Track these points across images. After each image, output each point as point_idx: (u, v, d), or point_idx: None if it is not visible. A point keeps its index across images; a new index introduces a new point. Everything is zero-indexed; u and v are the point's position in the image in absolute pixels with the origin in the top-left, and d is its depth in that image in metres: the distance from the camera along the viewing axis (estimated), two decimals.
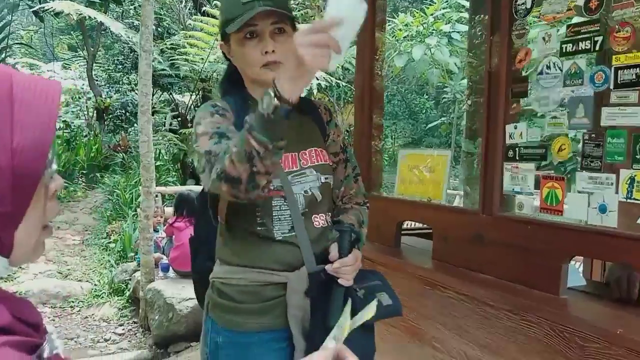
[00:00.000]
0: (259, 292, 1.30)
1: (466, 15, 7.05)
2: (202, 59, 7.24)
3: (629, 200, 1.38)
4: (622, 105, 1.39)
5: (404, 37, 7.25)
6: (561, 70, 1.55)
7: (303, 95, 1.21)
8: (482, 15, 2.89)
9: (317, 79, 7.79)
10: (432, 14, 6.97)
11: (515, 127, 1.70)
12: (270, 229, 1.31)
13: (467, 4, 6.86)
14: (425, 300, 2.05)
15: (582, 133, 1.50)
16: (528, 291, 1.63)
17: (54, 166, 0.59)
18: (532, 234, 1.63)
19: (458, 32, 6.92)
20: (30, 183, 0.54)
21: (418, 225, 2.65)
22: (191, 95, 8.06)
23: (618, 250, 1.41)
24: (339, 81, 8.53)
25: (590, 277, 2.17)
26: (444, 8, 7.22)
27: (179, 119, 8.30)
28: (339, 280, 1.26)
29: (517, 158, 1.70)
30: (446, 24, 7.00)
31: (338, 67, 9.61)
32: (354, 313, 1.29)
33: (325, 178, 1.39)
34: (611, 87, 1.42)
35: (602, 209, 1.44)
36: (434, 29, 6.95)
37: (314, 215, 1.38)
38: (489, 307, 1.75)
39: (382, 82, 2.50)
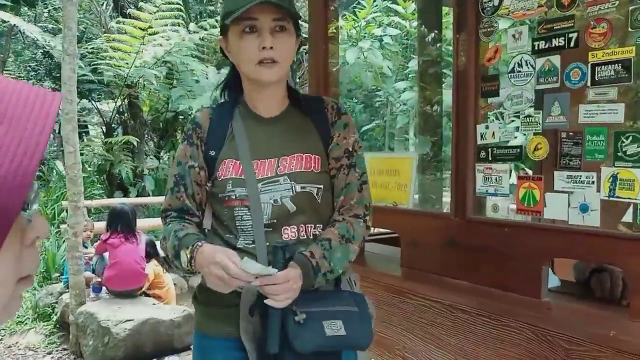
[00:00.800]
0: (223, 298, 1.23)
1: (397, 19, 7.16)
2: (128, 63, 6.86)
3: (611, 199, 1.36)
4: (601, 102, 1.37)
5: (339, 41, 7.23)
6: (534, 68, 1.52)
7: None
8: (431, 14, 2.87)
9: None
10: (364, 18, 7.00)
11: (487, 127, 1.66)
12: (236, 238, 1.29)
13: (399, 8, 6.97)
14: (394, 309, 1.97)
15: (559, 132, 1.47)
16: (506, 295, 1.59)
17: (35, 206, 0.44)
18: (509, 237, 1.58)
19: (390, 35, 6.99)
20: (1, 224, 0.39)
21: (379, 230, 2.58)
22: (115, 101, 7.62)
23: (602, 249, 1.38)
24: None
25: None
26: (374, 12, 7.28)
27: (104, 127, 7.83)
28: (265, 301, 1.16)
29: (490, 159, 1.65)
30: (378, 27, 7.06)
31: None
32: (284, 339, 1.19)
33: (303, 187, 1.28)
34: (589, 84, 1.40)
35: (583, 208, 1.41)
36: (366, 33, 6.99)
37: (284, 227, 1.28)
38: (464, 314, 1.69)
39: (338, 88, 2.41)
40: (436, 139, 2.76)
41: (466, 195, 1.71)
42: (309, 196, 1.28)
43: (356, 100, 15.48)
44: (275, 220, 1.27)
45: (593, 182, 1.39)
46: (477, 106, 1.69)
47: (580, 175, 1.41)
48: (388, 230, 2.61)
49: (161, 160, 8.62)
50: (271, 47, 1.22)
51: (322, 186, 1.30)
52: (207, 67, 8.51)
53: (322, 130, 1.34)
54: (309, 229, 1.29)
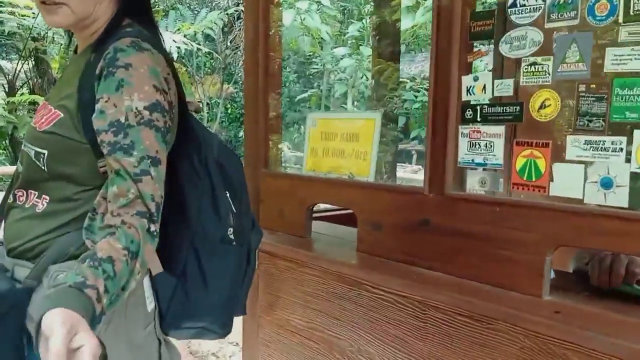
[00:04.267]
0: None
1: None
2: (34, 12, 6.01)
3: None
4: (637, 46, 1.04)
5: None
6: (544, 0, 1.17)
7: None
8: None
9: (176, 42, 6.96)
10: None
11: (476, 79, 1.30)
12: None
13: None
14: (348, 304, 1.61)
15: (576, 84, 1.13)
16: (496, 292, 1.26)
17: None
18: (502, 219, 1.25)
19: None
20: None
21: (325, 206, 2.21)
22: (20, 56, 6.72)
23: (630, 238, 1.07)
24: (199, 47, 7.76)
25: None
26: None
27: (6, 86, 6.91)
28: None
29: (479, 119, 1.30)
30: None
31: (197, 32, 8.79)
32: None
33: (25, 146, 1.07)
34: (620, 20, 1.06)
35: (606, 184, 1.09)
36: None
37: (16, 189, 1.09)
38: (438, 312, 1.36)
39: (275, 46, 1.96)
40: (389, 104, 2.40)
41: (445, 166, 1.36)
42: (27, 159, 1.04)
43: (289, 70, 14.98)
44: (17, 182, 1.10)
45: (621, 150, 1.07)
46: (464, 52, 1.32)
47: (604, 141, 1.09)
48: (336, 207, 2.25)
49: None
50: None
51: (45, 152, 1.01)
52: None
53: (84, 82, 1.01)
54: (32, 196, 1.06)
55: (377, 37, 2.48)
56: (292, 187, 1.79)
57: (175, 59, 7.46)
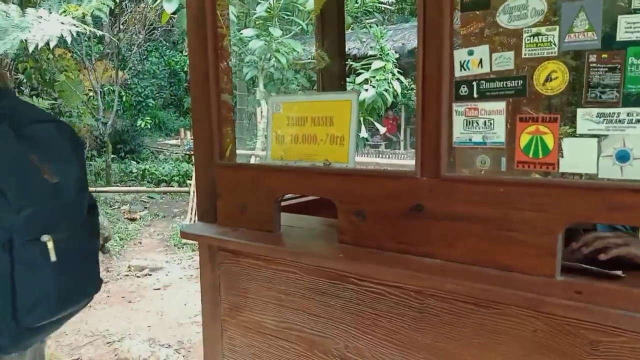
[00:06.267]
0: None
1: None
2: None
3: None
4: None
5: None
6: None
7: None
8: None
9: (65, 25, 6.32)
10: None
11: (471, 53, 1.22)
12: None
13: None
14: (330, 299, 1.50)
15: (586, 54, 1.09)
16: (504, 275, 1.21)
17: None
18: (507, 199, 1.19)
19: None
20: None
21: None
22: None
23: None
24: (93, 29, 7.12)
25: None
26: None
27: None
28: None
29: (476, 95, 1.23)
30: None
31: (86, 14, 8.09)
32: None
33: None
34: None
35: (622, 157, 1.06)
36: None
37: None
38: (438, 301, 1.29)
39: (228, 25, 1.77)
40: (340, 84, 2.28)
41: (440, 147, 1.27)
42: None
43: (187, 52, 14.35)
44: None
45: (638, 122, 1.04)
46: (454, 23, 1.24)
47: (618, 113, 1.05)
48: (292, 196, 2.11)
49: None
50: None
51: None
52: (7, 5, 6.91)
53: None
54: None
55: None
56: (256, 178, 1.63)
57: (69, 43, 6.79)
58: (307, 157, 1.53)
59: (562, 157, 1.13)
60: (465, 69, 1.23)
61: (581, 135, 1.10)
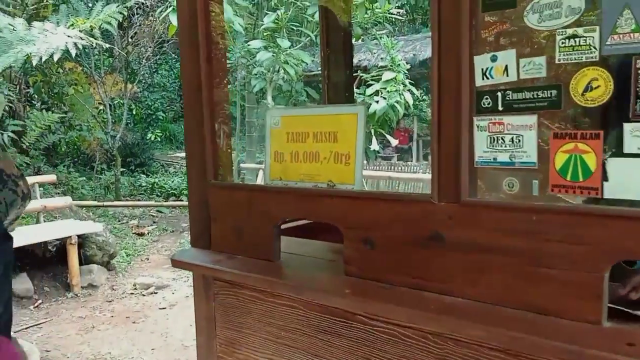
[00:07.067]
0: None
1: None
2: None
3: None
4: None
5: None
6: None
7: None
8: None
9: (71, 37, 6.25)
10: None
11: (495, 59, 1.06)
12: None
13: None
14: (334, 339, 1.33)
15: (633, 59, 0.92)
16: (539, 320, 1.03)
17: None
18: (540, 229, 1.01)
19: None
20: None
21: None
22: None
23: None
24: (100, 42, 7.06)
25: None
26: None
27: None
28: None
29: (501, 108, 1.06)
30: None
31: (94, 27, 8.05)
32: None
33: None
34: None
35: None
36: None
37: None
38: (460, 347, 1.11)
39: (222, 33, 1.62)
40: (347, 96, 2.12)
41: (459, 167, 1.10)
42: None
43: None
44: None
45: None
46: (476, 25, 1.07)
47: None
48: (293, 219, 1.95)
49: None
50: None
51: None
52: (13, 18, 6.89)
53: None
54: None
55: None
56: (252, 200, 1.47)
57: (73, 56, 6.73)
58: (308, 177, 1.36)
59: (607, 180, 0.95)
60: (487, 78, 1.06)
61: (629, 155, 0.92)
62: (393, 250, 1.23)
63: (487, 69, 1.06)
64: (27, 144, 9.78)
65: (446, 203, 1.14)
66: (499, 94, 1.05)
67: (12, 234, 1.22)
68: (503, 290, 1.08)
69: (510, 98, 1.04)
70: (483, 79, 1.07)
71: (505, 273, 1.07)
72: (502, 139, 1.06)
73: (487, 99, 1.07)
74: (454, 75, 1.09)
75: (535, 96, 1.02)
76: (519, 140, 1.04)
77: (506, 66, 1.04)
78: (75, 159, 12.20)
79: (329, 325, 1.34)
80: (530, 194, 1.07)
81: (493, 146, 1.07)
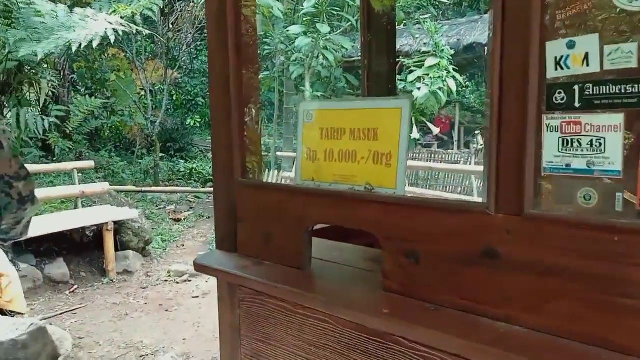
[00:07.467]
0: None
1: None
2: None
3: None
4: None
5: None
6: None
7: None
8: None
9: (112, 24, 6.25)
10: None
11: (572, 45, 0.88)
12: None
13: None
14: (368, 359, 1.18)
15: None
16: (613, 359, 0.86)
17: None
18: (623, 251, 0.84)
19: None
20: None
21: None
22: None
23: None
24: (140, 28, 7.05)
25: None
26: None
27: None
28: None
29: (578, 104, 0.88)
30: None
31: (135, 14, 8.05)
32: None
33: None
34: None
35: None
36: None
37: None
38: None
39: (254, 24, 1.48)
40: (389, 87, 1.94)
41: (523, 174, 0.93)
42: None
43: None
44: None
45: None
46: (549, 3, 0.89)
47: None
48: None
49: (4, 121, 7.02)
50: None
51: None
52: (56, 4, 6.95)
53: None
54: None
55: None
56: (282, 203, 1.33)
57: (112, 42, 6.74)
58: (344, 179, 1.21)
59: None
60: (562, 68, 0.88)
61: None
62: (440, 266, 1.07)
63: (562, 57, 0.88)
64: (71, 128, 9.96)
65: (505, 215, 0.96)
66: (577, 87, 0.87)
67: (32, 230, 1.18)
68: (571, 321, 0.91)
69: (591, 93, 0.86)
70: (557, 69, 0.89)
71: (576, 301, 0.90)
72: (578, 141, 0.88)
73: (560, 93, 0.89)
74: (520, 64, 0.92)
75: (623, 91, 0.83)
76: (600, 144, 0.86)
77: (586, 54, 0.86)
78: (117, 144, 12.40)
79: (363, 345, 1.19)
80: (612, 209, 0.89)
81: (566, 150, 0.89)
